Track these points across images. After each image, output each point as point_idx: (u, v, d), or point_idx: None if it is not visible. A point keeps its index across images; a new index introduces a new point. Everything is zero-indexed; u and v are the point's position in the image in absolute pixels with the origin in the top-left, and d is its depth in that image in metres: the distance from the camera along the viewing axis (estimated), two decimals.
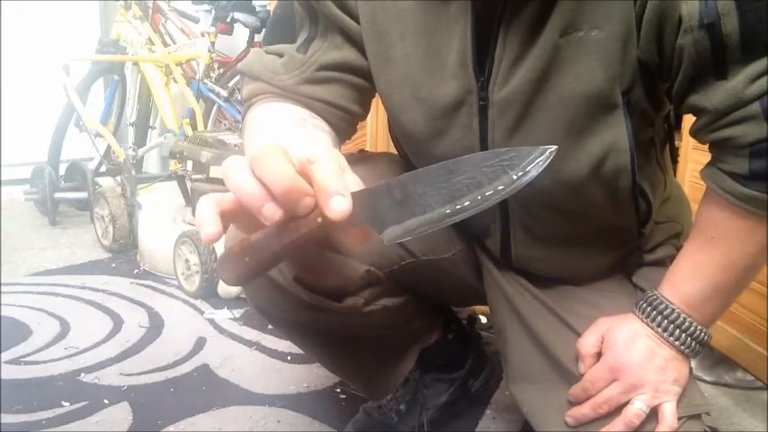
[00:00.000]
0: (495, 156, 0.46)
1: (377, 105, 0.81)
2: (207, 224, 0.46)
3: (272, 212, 0.46)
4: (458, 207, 0.46)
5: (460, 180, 0.46)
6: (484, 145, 0.74)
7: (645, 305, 0.76)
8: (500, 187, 0.45)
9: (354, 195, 0.46)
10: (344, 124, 0.80)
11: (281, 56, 0.78)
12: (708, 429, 1.13)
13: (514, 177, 0.45)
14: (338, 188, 0.45)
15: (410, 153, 0.86)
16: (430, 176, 0.47)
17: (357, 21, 0.75)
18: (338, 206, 0.45)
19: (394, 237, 0.47)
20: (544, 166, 0.45)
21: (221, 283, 1.79)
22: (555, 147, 0.45)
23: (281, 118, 0.74)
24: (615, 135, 0.70)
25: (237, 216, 0.49)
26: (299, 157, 0.47)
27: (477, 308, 1.35)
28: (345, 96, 0.78)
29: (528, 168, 0.45)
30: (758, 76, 0.61)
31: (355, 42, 0.77)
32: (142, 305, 1.75)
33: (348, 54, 0.77)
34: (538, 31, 0.66)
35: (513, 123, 0.71)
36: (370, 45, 0.76)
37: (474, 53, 0.70)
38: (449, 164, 0.47)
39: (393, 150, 0.98)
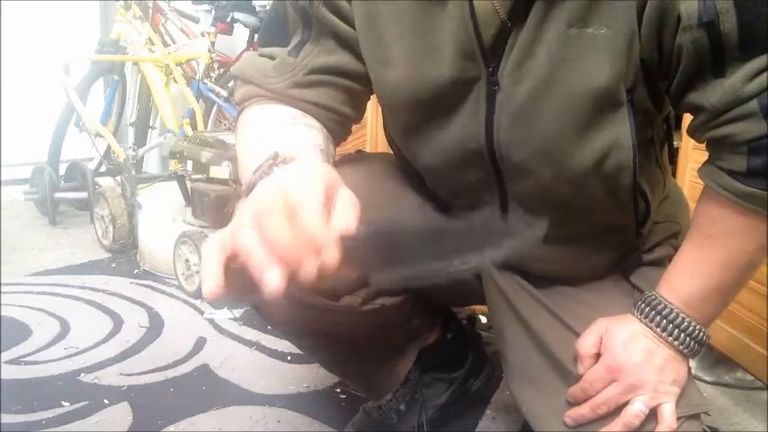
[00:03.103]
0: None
1: (377, 105, 0.81)
2: (208, 279, 0.45)
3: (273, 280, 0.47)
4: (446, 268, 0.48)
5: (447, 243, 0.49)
6: (489, 136, 0.73)
7: (643, 305, 0.76)
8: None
9: (342, 242, 0.48)
10: (336, 126, 0.79)
11: (272, 59, 0.78)
12: (707, 429, 1.12)
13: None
14: (326, 239, 0.46)
15: (407, 153, 0.86)
16: (418, 233, 0.50)
17: (351, 25, 0.75)
18: (327, 260, 0.47)
19: (381, 282, 0.51)
20: None
21: None
22: None
23: (272, 119, 0.74)
24: (619, 131, 0.70)
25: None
26: (296, 201, 0.48)
27: (477, 308, 1.35)
28: (336, 99, 0.78)
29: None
30: (756, 74, 0.61)
31: (349, 46, 0.76)
32: (142, 305, 1.75)
33: (340, 58, 0.77)
34: (548, 22, 0.66)
35: (518, 112, 0.71)
36: (367, 49, 0.75)
37: (479, 44, 0.69)
38: (436, 228, 0.51)
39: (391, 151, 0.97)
